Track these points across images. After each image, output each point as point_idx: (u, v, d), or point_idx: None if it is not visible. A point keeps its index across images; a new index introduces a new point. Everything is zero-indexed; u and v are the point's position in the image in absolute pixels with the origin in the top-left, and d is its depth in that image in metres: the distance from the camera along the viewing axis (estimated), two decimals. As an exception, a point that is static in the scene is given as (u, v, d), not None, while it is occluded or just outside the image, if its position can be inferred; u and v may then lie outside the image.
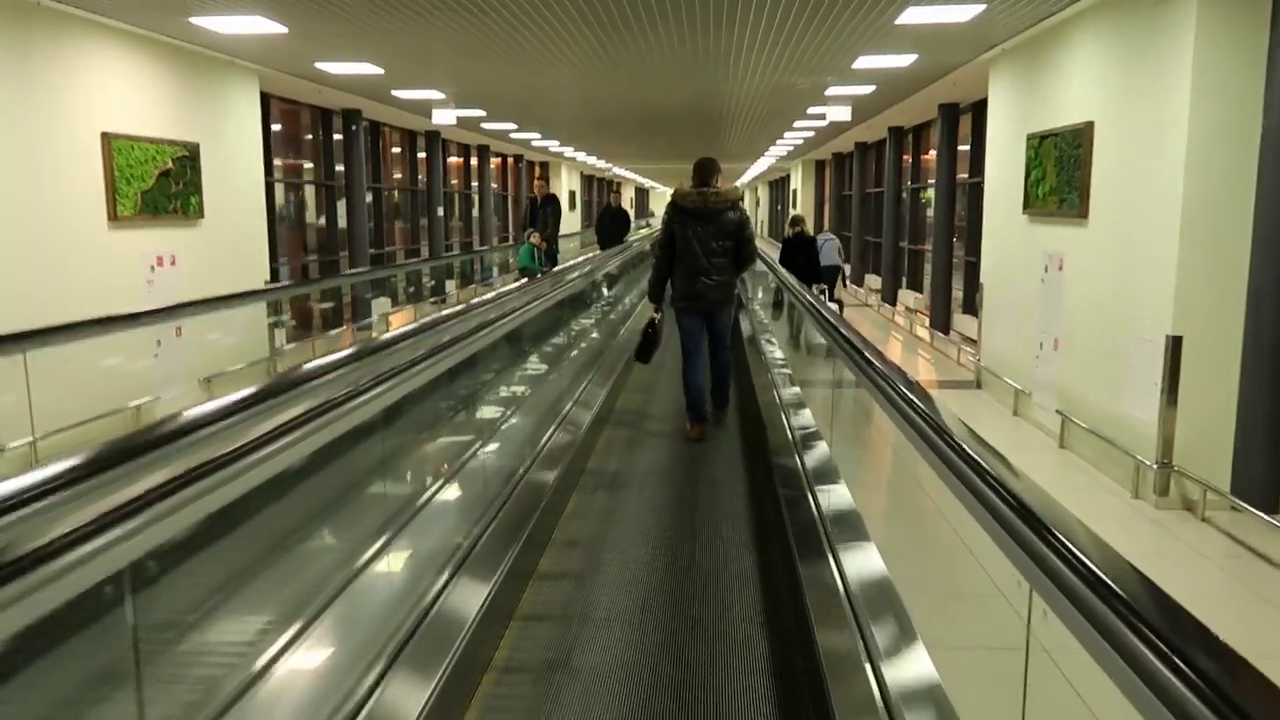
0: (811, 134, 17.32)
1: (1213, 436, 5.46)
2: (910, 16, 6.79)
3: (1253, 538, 5.10)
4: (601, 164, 30.01)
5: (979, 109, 12.07)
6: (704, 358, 5.79)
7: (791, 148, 21.14)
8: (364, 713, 2.18)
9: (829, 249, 12.45)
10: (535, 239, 11.40)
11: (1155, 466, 5.56)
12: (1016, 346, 8.16)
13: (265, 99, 11.18)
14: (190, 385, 8.05)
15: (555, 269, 9.50)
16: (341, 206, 13.70)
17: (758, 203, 47.27)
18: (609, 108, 13.55)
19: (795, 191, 28.08)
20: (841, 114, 11.91)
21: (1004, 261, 8.62)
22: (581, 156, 26.00)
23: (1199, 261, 5.37)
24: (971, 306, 12.69)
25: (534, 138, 18.99)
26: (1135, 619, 1.11)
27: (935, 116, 12.88)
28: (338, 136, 13.52)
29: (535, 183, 12.68)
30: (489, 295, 4.58)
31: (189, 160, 8.15)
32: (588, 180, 34.00)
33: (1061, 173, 6.96)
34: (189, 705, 2.12)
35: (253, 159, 9.50)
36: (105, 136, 7.12)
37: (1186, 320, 5.42)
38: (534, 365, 6.18)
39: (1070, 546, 1.32)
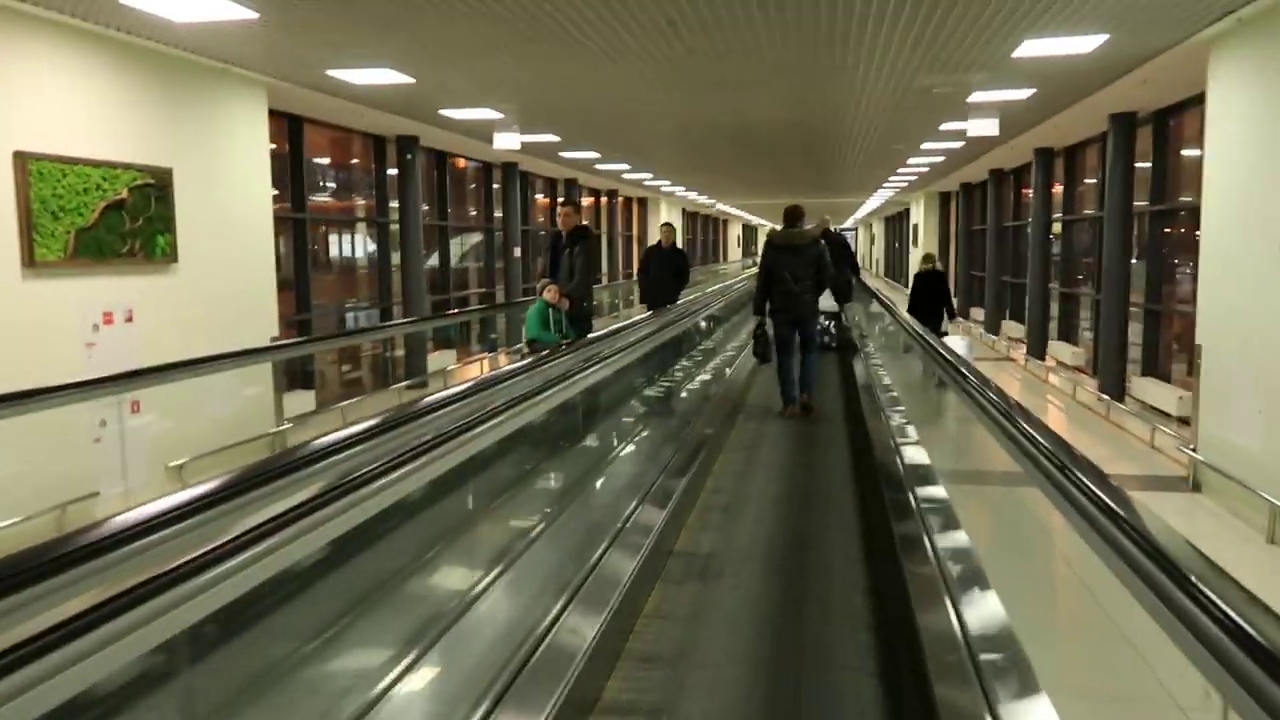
0: (941, 159, 14.96)
1: None
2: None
3: None
4: (704, 200, 28.09)
5: (1164, 118, 9.65)
6: (794, 356, 7.36)
7: (914, 177, 18.77)
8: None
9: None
10: (550, 294, 6.92)
11: None
12: (1266, 436, 5.70)
13: (297, 122, 9.68)
14: (153, 474, 6.37)
15: (584, 339, 6.31)
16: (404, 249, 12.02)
17: (872, 240, 44.67)
18: (701, 129, 11.56)
19: (916, 226, 25.57)
20: (987, 128, 9.60)
21: (1239, 312, 6.17)
22: (681, 191, 24.13)
23: None
24: (1153, 366, 10.14)
25: (624, 169, 17.17)
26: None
27: (1102, 130, 10.45)
28: (393, 172, 11.91)
29: (559, 211, 7.62)
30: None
31: (154, 190, 6.46)
32: (690, 218, 32.12)
33: (1366, 185, 4.57)
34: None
35: (256, 189, 7.79)
36: (19, 157, 5.46)
37: None
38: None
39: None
